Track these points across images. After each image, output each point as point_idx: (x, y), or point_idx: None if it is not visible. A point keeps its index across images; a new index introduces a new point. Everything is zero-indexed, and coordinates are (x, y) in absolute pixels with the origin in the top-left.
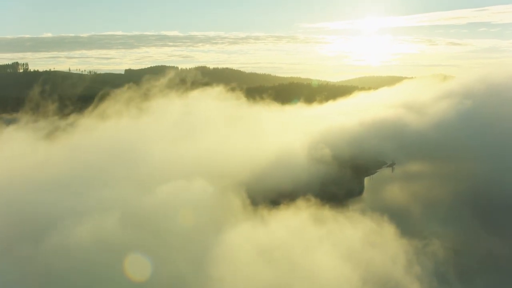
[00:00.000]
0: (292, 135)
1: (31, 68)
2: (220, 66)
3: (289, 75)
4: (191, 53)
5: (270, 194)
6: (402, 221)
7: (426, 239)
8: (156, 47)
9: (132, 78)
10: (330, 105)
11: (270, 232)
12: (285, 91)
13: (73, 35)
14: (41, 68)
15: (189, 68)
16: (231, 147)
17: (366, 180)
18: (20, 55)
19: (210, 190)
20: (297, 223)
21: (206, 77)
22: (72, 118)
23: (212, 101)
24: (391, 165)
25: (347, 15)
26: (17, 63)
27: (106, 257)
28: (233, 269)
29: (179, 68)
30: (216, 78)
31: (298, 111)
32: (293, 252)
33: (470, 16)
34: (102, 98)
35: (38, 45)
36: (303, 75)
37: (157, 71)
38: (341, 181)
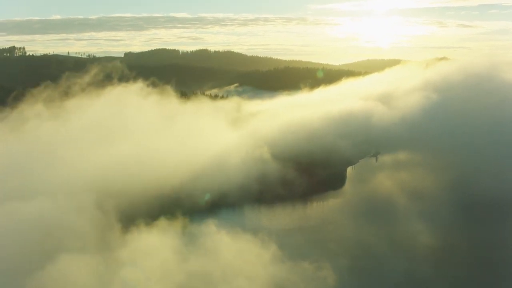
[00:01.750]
0: (235, 134)
1: (40, 51)
2: (222, 49)
3: (292, 58)
4: (200, 35)
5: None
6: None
7: (318, 261)
8: (165, 29)
9: (131, 62)
10: (301, 95)
11: (105, 262)
12: (273, 78)
13: (82, 17)
14: (50, 50)
15: (190, 51)
16: (150, 153)
17: (349, 170)
18: (29, 37)
19: (50, 210)
20: (157, 244)
21: (207, 60)
22: None
23: (138, 98)
24: (375, 155)
25: None
26: (13, 47)
27: None
28: None
29: (180, 51)
30: (218, 61)
31: (258, 104)
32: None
33: None
34: (16, 98)
35: (47, 27)
36: (305, 58)
37: (157, 54)
38: (285, 181)
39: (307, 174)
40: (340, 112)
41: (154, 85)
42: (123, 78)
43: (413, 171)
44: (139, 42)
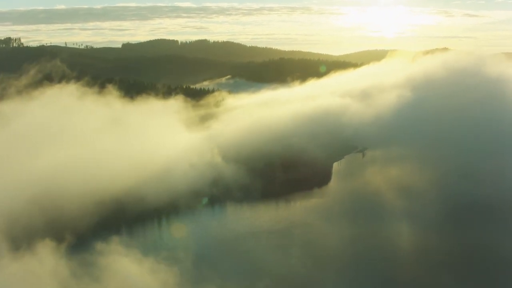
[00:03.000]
0: (193, 135)
1: (45, 40)
2: (226, 39)
3: (292, 49)
4: (205, 24)
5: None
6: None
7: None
8: (169, 19)
9: (129, 52)
10: (284, 90)
11: None
12: (266, 70)
13: (86, 6)
14: (55, 40)
15: (189, 42)
16: (90, 160)
17: (335, 165)
18: (34, 27)
19: None
20: (42, 269)
21: (205, 51)
22: None
23: (78, 101)
24: (362, 151)
25: None
26: (9, 38)
27: None
28: None
29: (179, 41)
30: (216, 52)
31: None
32: None
33: None
34: None
35: (51, 17)
36: (308, 48)
37: (157, 44)
38: (241, 184)
39: (265, 176)
40: (313, 110)
41: (91, 85)
42: (65, 78)
43: (392, 169)
44: (143, 32)
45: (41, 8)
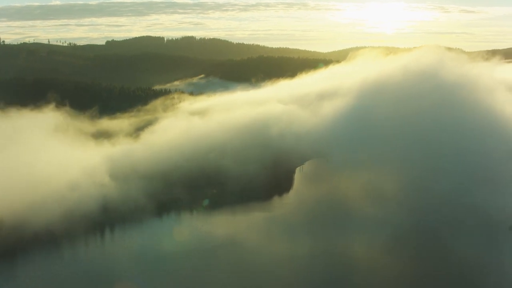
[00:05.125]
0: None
1: (41, 37)
2: (207, 36)
3: (279, 45)
4: (202, 20)
5: None
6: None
7: None
8: (166, 14)
9: (111, 50)
10: (239, 93)
11: None
12: (241, 69)
13: (82, 2)
14: (51, 36)
15: (175, 39)
16: None
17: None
18: (30, 23)
19: None
20: None
21: (189, 48)
22: None
23: None
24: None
25: None
26: None
27: None
28: None
29: (165, 39)
30: (200, 50)
31: None
32: None
33: None
34: None
35: (47, 12)
36: (294, 46)
37: (141, 42)
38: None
39: (164, 194)
40: (250, 119)
41: None
42: None
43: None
44: (140, 28)
45: (36, 4)
